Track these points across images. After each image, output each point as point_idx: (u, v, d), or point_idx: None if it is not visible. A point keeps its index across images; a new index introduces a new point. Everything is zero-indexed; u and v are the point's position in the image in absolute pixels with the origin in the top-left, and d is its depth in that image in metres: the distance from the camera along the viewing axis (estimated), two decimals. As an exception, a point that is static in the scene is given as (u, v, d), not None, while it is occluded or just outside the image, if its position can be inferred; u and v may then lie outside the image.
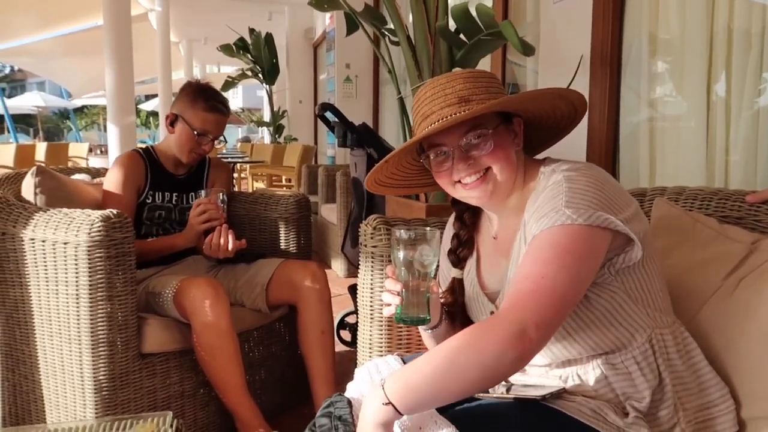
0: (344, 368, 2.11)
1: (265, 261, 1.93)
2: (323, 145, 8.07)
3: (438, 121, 0.97)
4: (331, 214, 4.05)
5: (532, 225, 0.93)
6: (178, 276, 1.72)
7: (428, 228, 0.98)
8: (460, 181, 1.01)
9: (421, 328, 1.16)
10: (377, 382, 1.02)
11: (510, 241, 1.03)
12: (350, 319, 2.63)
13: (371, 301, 1.38)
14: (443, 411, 0.90)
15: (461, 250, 1.14)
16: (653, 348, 0.94)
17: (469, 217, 1.15)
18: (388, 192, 1.21)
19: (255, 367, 1.90)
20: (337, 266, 4.01)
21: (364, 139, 2.22)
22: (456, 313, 1.15)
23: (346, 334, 2.66)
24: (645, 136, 2.33)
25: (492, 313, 1.06)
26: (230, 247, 1.73)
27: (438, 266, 0.99)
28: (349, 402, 1.00)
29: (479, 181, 0.99)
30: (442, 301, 1.13)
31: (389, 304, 0.98)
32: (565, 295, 0.85)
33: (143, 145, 2.10)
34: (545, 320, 0.81)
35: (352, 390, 1.11)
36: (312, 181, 4.97)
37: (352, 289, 2.64)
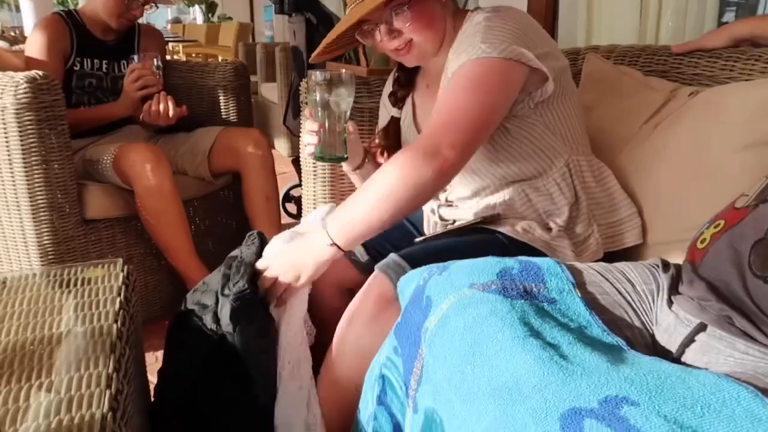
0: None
1: (205, 129, 1.91)
2: (260, 24, 7.67)
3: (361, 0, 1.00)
4: (271, 92, 3.95)
5: (452, 64, 0.99)
6: (116, 143, 1.69)
7: (343, 70, 1.04)
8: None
9: (350, 172, 1.24)
10: (317, 225, 1.10)
11: (438, 83, 1.08)
12: (295, 192, 2.68)
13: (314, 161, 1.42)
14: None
15: (400, 91, 1.21)
16: (570, 171, 1.05)
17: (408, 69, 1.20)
18: (329, 56, 1.22)
19: (202, 237, 1.93)
20: (281, 145, 3.99)
21: (301, 3, 2.14)
22: (389, 154, 1.24)
23: (291, 207, 2.71)
24: (583, 1, 2.34)
25: None
26: (171, 113, 1.69)
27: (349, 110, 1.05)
28: (260, 234, 1.10)
29: (405, 50, 1.05)
30: (378, 142, 1.22)
31: (309, 144, 1.07)
32: (478, 119, 0.92)
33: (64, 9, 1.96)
34: (458, 141, 0.89)
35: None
36: (250, 60, 4.78)
37: (296, 163, 2.66)
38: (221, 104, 2.05)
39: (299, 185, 2.67)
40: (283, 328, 0.94)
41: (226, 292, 0.94)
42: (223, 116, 2.05)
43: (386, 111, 1.27)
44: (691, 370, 0.55)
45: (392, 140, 1.26)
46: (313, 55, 1.18)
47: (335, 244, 0.92)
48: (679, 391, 0.50)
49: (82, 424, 0.65)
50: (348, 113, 1.07)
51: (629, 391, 0.50)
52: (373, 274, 0.94)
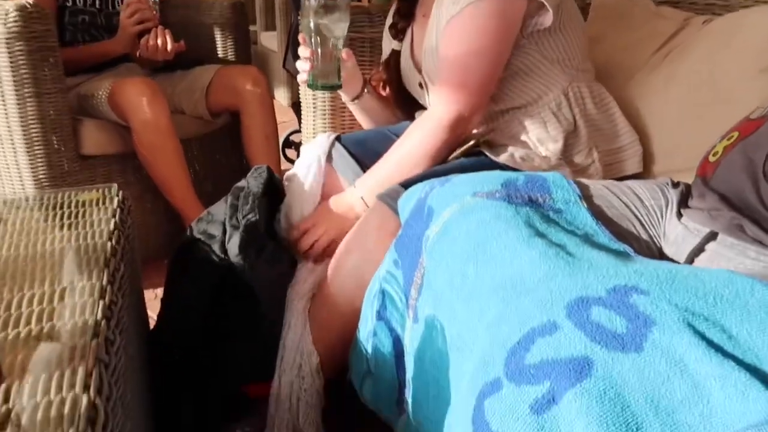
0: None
1: (203, 67, 1.85)
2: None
3: None
4: (271, 41, 3.86)
5: (448, 1, 0.95)
6: (112, 79, 1.65)
7: None
8: None
9: (348, 103, 1.21)
10: (315, 152, 1.08)
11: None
12: (295, 138, 2.64)
13: (310, 90, 1.38)
14: None
15: (400, 23, 1.17)
16: (569, 99, 1.02)
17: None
18: None
19: (202, 179, 1.90)
20: (281, 94, 3.92)
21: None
22: (391, 87, 1.23)
23: (292, 153, 2.68)
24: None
25: (420, 84, 1.14)
26: (169, 47, 1.64)
27: (346, 35, 1.03)
28: (268, 167, 1.07)
29: None
30: (379, 75, 1.19)
31: (303, 71, 1.06)
32: (491, 77, 0.96)
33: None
34: (476, 104, 0.96)
35: (296, 165, 1.16)
36: (248, 9, 4.66)
37: (296, 107, 2.61)
38: (219, 42, 2.00)
39: (299, 131, 2.63)
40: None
41: (234, 222, 0.92)
42: (221, 55, 2.00)
43: (388, 43, 1.23)
44: (703, 268, 0.53)
45: (393, 73, 1.23)
46: None
47: (364, 200, 0.99)
48: (690, 283, 0.48)
49: (75, 329, 0.64)
50: (342, 40, 1.04)
51: (638, 281, 0.48)
52: (372, 204, 0.92)
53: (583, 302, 0.46)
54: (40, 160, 1.47)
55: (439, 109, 0.96)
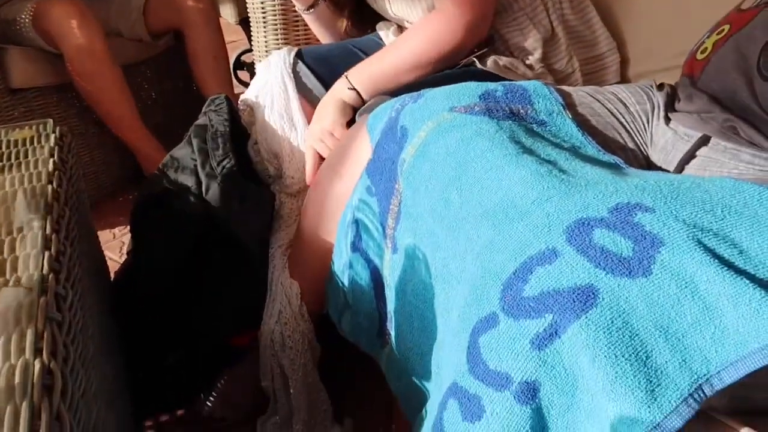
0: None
1: (137, -19, 1.68)
2: None
3: None
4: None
5: None
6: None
7: None
8: None
9: (303, 12, 1.12)
10: (278, 72, 0.99)
11: None
12: (246, 58, 2.48)
13: (262, 3, 1.26)
14: None
15: None
16: (545, 4, 0.95)
17: None
18: None
19: (150, 110, 1.76)
20: (227, 12, 3.67)
21: None
22: (345, 2, 1.12)
23: (244, 75, 2.52)
24: None
25: None
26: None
27: None
28: (227, 98, 0.99)
29: None
30: None
31: None
32: None
33: None
34: (490, 10, 0.89)
35: (252, 88, 1.06)
36: None
37: (245, 23, 2.44)
38: (153, -46, 1.80)
39: (250, 50, 2.47)
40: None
41: (209, 170, 0.84)
42: (157, -32, 1.81)
43: None
44: (705, 177, 0.49)
45: None
46: None
47: (355, 90, 0.90)
48: (696, 195, 0.44)
49: (18, 287, 0.57)
50: None
51: (642, 197, 0.44)
52: (358, 119, 0.84)
53: (584, 224, 0.42)
54: (-37, 96, 1.33)
55: (456, 9, 0.86)
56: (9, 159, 0.84)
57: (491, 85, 0.67)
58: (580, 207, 0.43)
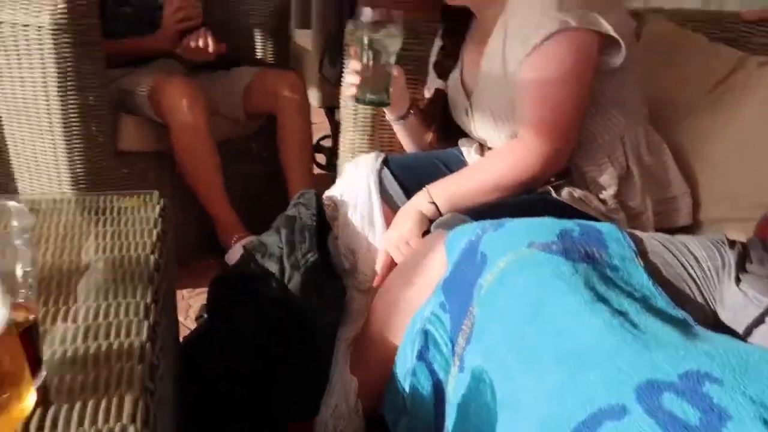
0: (320, 189, 2.14)
1: (242, 68, 1.85)
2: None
3: None
4: (305, 40, 3.85)
5: (522, 33, 0.93)
6: (153, 76, 1.65)
7: (393, 10, 0.99)
8: None
9: (393, 121, 1.20)
10: (364, 175, 1.07)
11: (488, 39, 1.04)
12: (325, 143, 2.63)
13: (355, 105, 1.37)
14: None
15: (446, 62, 1.17)
16: (624, 144, 1.00)
17: (455, 29, 1.16)
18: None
19: (232, 183, 1.88)
20: (312, 95, 3.91)
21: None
22: (433, 119, 1.21)
23: (320, 158, 2.67)
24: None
25: (467, 110, 1.12)
26: (211, 49, 1.64)
27: (399, 51, 1.03)
28: (316, 194, 1.06)
29: None
30: (422, 107, 1.18)
31: (352, 85, 1.04)
32: (578, 112, 0.94)
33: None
34: (570, 144, 0.95)
35: (338, 186, 1.15)
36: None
37: (329, 112, 2.61)
38: (258, 44, 1.99)
39: (330, 136, 2.63)
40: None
41: (293, 261, 0.92)
42: (259, 56, 2.00)
43: (434, 76, 1.21)
44: (773, 351, 0.51)
45: (438, 107, 1.21)
46: None
47: (434, 204, 0.96)
48: (765, 371, 0.46)
49: (121, 350, 0.64)
50: (394, 57, 1.03)
51: (711, 366, 0.46)
52: (434, 232, 0.90)
53: (654, 387, 0.45)
54: (78, 153, 1.48)
55: (536, 143, 0.93)
56: (118, 224, 0.93)
57: (568, 224, 0.72)
58: (651, 368, 0.46)
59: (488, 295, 0.64)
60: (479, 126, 1.10)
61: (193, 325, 1.38)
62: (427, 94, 1.21)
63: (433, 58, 1.21)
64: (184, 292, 1.57)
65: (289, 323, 0.88)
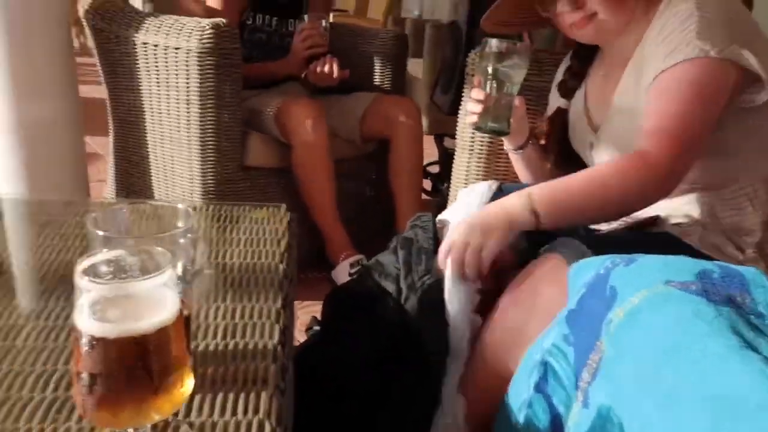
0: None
1: (360, 93, 1.94)
2: (408, 1, 7.68)
3: None
4: (416, 68, 3.94)
5: (657, 58, 0.90)
6: (280, 97, 1.76)
7: (519, 42, 1.02)
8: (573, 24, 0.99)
9: (510, 151, 1.20)
10: (477, 201, 1.07)
11: (620, 73, 1.01)
12: (432, 169, 2.66)
13: (473, 132, 1.38)
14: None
15: (571, 82, 1.16)
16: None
17: (585, 53, 1.15)
18: (499, 28, 1.18)
19: (343, 202, 1.96)
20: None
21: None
22: (552, 143, 1.20)
23: (426, 184, 2.70)
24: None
25: (591, 144, 1.09)
26: (335, 74, 1.73)
27: (522, 82, 1.03)
28: (432, 217, 1.07)
29: (583, 21, 0.97)
30: (543, 129, 1.17)
31: (473, 113, 1.05)
32: (701, 134, 0.87)
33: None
34: (686, 166, 0.87)
35: (450, 210, 1.16)
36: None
37: (438, 139, 2.65)
38: (377, 71, 2.07)
39: (437, 162, 2.66)
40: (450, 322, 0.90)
41: (410, 282, 0.94)
42: (377, 82, 2.07)
43: (555, 98, 1.21)
44: None
45: (557, 129, 1.20)
46: (484, 17, 1.13)
47: (535, 213, 0.87)
48: None
49: (256, 350, 0.68)
50: (518, 87, 1.05)
51: None
52: (549, 257, 0.87)
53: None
54: (210, 166, 1.60)
55: (655, 156, 0.86)
56: (248, 233, 1.00)
57: (707, 265, 0.68)
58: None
59: (619, 330, 0.62)
60: (600, 156, 1.08)
61: (301, 337, 1.43)
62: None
63: (559, 77, 1.20)
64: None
65: (404, 343, 0.90)
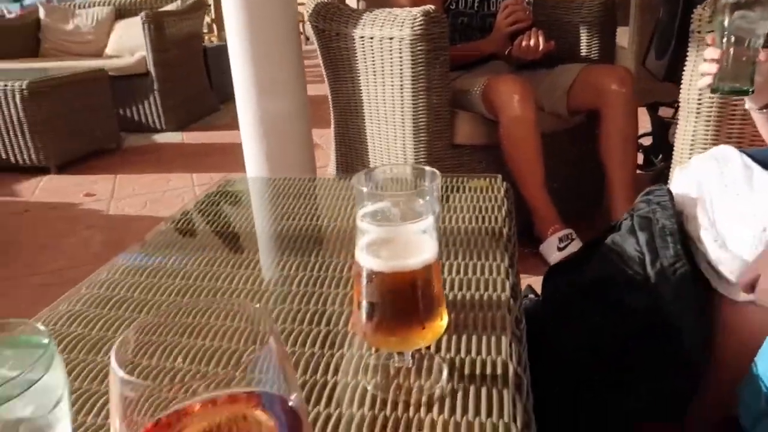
0: (639, 188, 2.02)
1: (566, 65, 1.89)
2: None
3: None
4: (622, 38, 3.69)
5: None
6: (485, 75, 1.80)
7: None
8: None
9: (753, 110, 1.07)
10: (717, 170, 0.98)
11: None
12: (643, 142, 2.49)
13: (699, 94, 1.28)
14: None
15: None
16: None
17: None
18: None
19: (550, 175, 1.94)
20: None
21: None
22: None
23: (638, 157, 2.54)
24: None
25: None
26: (541, 47, 1.73)
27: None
28: (669, 191, 0.99)
29: None
30: None
31: (707, 74, 0.97)
32: None
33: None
34: None
35: (680, 180, 1.08)
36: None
37: (651, 108, 2.47)
38: (583, 41, 2.00)
39: (649, 134, 2.48)
40: None
41: (659, 268, 0.87)
42: (583, 54, 2.01)
43: None
44: None
45: None
46: None
47: None
48: None
49: (491, 301, 0.73)
50: (761, 40, 0.94)
51: None
52: None
53: None
54: (422, 145, 1.70)
55: None
56: (471, 201, 1.06)
57: None
58: None
59: None
60: None
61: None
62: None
63: None
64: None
65: (653, 331, 0.85)
